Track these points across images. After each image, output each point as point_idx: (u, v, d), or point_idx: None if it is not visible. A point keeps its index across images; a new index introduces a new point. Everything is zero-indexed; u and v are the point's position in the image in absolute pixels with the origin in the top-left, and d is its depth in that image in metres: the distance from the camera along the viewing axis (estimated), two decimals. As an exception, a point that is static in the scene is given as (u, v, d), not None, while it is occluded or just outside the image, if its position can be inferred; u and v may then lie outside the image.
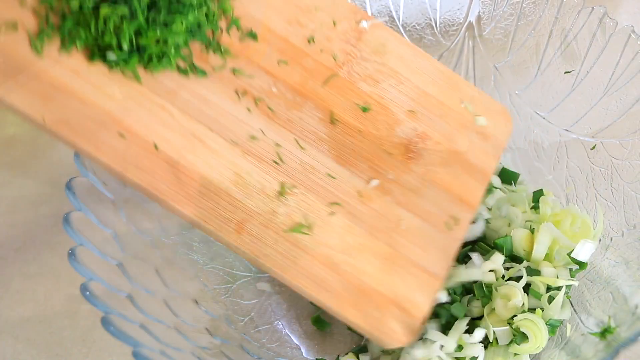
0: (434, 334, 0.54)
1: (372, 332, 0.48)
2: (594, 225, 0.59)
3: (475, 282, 0.57)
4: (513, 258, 0.58)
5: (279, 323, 0.64)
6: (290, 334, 0.63)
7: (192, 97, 0.47)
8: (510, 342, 0.53)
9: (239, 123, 0.48)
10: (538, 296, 0.54)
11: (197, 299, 0.56)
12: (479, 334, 0.53)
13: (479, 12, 0.67)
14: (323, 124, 0.51)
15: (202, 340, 0.52)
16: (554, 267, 0.56)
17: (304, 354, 0.63)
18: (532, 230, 0.58)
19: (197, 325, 0.54)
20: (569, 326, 0.54)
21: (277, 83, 0.50)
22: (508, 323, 0.53)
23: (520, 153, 0.69)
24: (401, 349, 0.55)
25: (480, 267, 0.56)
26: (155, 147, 0.45)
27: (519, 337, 0.52)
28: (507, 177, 0.66)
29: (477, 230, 0.60)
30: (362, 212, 0.50)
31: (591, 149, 0.61)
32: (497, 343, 0.53)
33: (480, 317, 0.55)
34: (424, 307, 0.49)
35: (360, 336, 0.62)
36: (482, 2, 0.67)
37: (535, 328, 0.52)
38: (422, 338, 0.54)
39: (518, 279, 0.55)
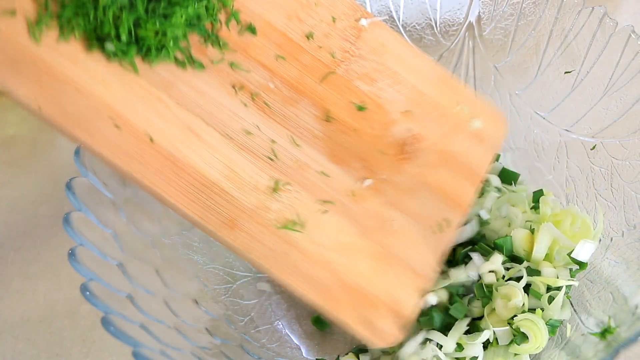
0: (435, 334, 0.54)
1: (360, 330, 0.48)
2: (594, 225, 0.59)
3: (475, 282, 0.57)
4: (513, 258, 0.58)
5: (279, 323, 0.64)
6: (290, 334, 0.63)
7: (189, 89, 0.47)
8: (511, 342, 0.53)
9: (234, 117, 0.48)
10: (538, 296, 0.54)
11: (197, 299, 0.56)
12: (482, 336, 0.53)
13: (479, 12, 0.67)
14: (318, 121, 0.51)
15: (202, 340, 0.52)
16: (554, 267, 0.56)
17: (304, 354, 0.63)
18: (532, 231, 0.58)
19: (197, 325, 0.54)
20: (569, 326, 0.54)
21: (274, 78, 0.50)
22: (508, 323, 0.53)
23: (520, 153, 0.69)
24: (400, 349, 0.55)
25: (480, 268, 0.56)
26: (150, 138, 0.45)
27: (519, 337, 0.52)
28: (507, 177, 0.66)
29: (468, 232, 0.60)
30: (354, 211, 0.50)
31: (591, 149, 0.61)
32: (497, 343, 0.53)
33: (481, 318, 0.55)
34: (413, 308, 0.49)
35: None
36: (482, 2, 0.67)
37: (536, 328, 0.52)
38: (425, 340, 0.54)
39: (518, 279, 0.55)
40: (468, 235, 0.60)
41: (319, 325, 0.63)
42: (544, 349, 0.53)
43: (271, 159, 0.48)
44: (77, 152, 0.49)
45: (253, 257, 0.46)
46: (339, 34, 0.53)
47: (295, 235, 0.47)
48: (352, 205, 0.50)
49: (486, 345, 0.54)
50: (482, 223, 0.61)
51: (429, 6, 0.68)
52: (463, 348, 0.53)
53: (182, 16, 0.45)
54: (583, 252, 0.56)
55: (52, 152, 0.81)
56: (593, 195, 0.61)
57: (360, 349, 0.60)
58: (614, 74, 0.59)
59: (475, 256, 0.58)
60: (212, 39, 0.48)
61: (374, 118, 0.52)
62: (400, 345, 0.56)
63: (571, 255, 0.56)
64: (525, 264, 0.57)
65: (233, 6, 0.49)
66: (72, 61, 0.43)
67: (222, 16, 0.49)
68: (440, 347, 0.53)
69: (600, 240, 0.58)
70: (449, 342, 0.53)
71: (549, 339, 0.53)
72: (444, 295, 0.56)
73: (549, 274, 0.56)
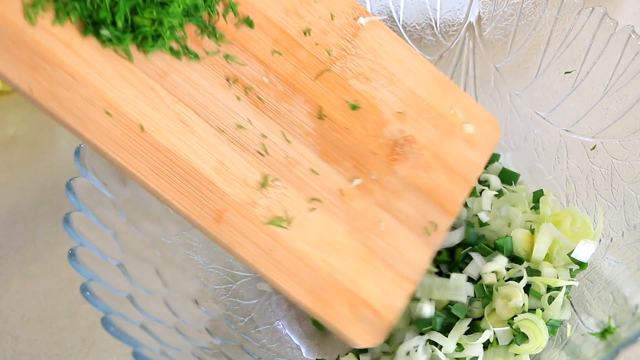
0: (435, 334, 0.54)
1: (341, 330, 0.47)
2: (594, 225, 0.59)
3: (475, 282, 0.57)
4: (513, 258, 0.58)
5: (279, 323, 0.64)
6: (290, 334, 0.63)
7: (183, 80, 0.47)
8: (511, 343, 0.53)
9: (227, 111, 0.48)
10: (538, 296, 0.54)
11: (197, 299, 0.56)
12: (483, 336, 0.53)
13: (479, 13, 0.67)
14: (311, 118, 0.50)
15: (202, 340, 0.52)
16: (554, 268, 0.56)
17: (304, 354, 0.63)
18: (532, 231, 0.58)
19: (197, 325, 0.53)
20: (569, 326, 0.54)
21: (269, 73, 0.50)
22: (508, 323, 0.53)
23: (520, 153, 0.69)
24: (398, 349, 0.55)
25: (482, 269, 0.56)
26: (141, 128, 0.44)
27: (519, 337, 0.52)
28: (507, 177, 0.66)
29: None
30: (342, 211, 0.49)
31: (591, 149, 0.61)
32: (498, 343, 0.53)
33: (481, 318, 0.55)
34: (395, 310, 0.49)
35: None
36: (482, 2, 0.67)
37: (536, 328, 0.52)
38: (429, 341, 0.54)
39: (518, 279, 0.55)
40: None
41: (319, 325, 0.63)
42: (544, 349, 0.53)
43: (261, 154, 0.48)
44: (77, 152, 0.49)
45: (238, 252, 0.46)
46: (336, 32, 0.53)
47: (281, 231, 0.47)
48: (340, 205, 0.50)
49: (486, 345, 0.54)
50: (482, 224, 0.61)
51: (429, 6, 0.68)
52: (463, 348, 0.53)
53: (179, 5, 0.45)
54: (583, 252, 0.56)
55: (52, 152, 0.81)
56: (593, 196, 0.61)
57: (361, 349, 0.60)
58: (614, 74, 0.59)
59: (476, 256, 0.58)
60: (209, 30, 0.48)
61: (367, 118, 0.52)
62: (400, 345, 0.57)
63: (571, 256, 0.56)
64: (525, 264, 0.57)
65: None
66: (66, 45, 0.42)
67: (219, 8, 0.49)
68: (440, 347, 0.53)
69: (600, 240, 0.58)
70: (449, 342, 0.53)
71: (549, 339, 0.53)
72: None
73: (549, 274, 0.56)
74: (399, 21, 0.69)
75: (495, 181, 0.65)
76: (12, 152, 0.80)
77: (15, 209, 0.75)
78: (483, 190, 0.63)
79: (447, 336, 0.54)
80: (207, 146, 0.46)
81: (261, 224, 0.47)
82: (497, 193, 0.63)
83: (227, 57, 0.48)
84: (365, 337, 0.48)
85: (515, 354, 0.53)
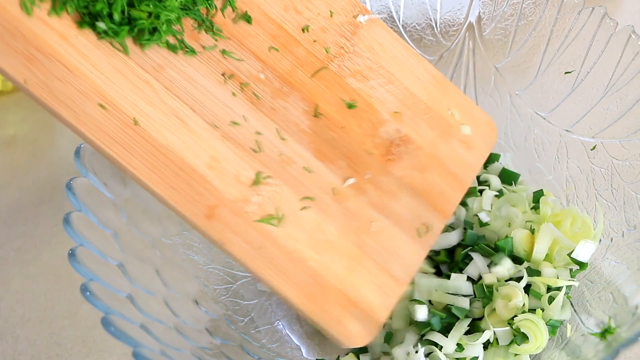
0: (435, 335, 0.54)
1: (330, 330, 0.47)
2: (594, 225, 0.59)
3: (475, 282, 0.57)
4: (513, 259, 0.58)
5: (280, 323, 0.64)
6: (290, 334, 0.63)
7: (178, 75, 0.46)
8: (511, 343, 0.53)
9: (222, 106, 0.47)
10: (538, 296, 0.54)
11: (198, 299, 0.56)
12: (483, 336, 0.53)
13: (479, 13, 0.67)
14: (307, 116, 0.50)
15: (202, 340, 0.52)
16: (555, 268, 0.56)
17: (304, 354, 0.63)
18: (532, 231, 0.58)
19: (197, 325, 0.53)
20: (569, 326, 0.54)
21: (265, 70, 0.49)
22: (508, 323, 0.53)
23: (520, 153, 0.69)
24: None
25: (490, 272, 0.56)
26: (135, 122, 0.44)
27: (519, 337, 0.52)
28: (507, 177, 0.66)
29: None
30: (334, 210, 0.49)
31: (591, 150, 0.61)
32: (498, 343, 0.53)
33: (481, 318, 0.55)
34: (385, 311, 0.49)
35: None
36: (482, 2, 0.67)
37: (536, 328, 0.52)
38: (420, 341, 0.54)
39: (519, 279, 0.55)
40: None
41: (319, 325, 0.63)
42: (544, 349, 0.53)
43: (255, 151, 0.47)
44: (77, 152, 0.49)
45: (228, 249, 0.46)
46: (335, 29, 0.52)
47: (273, 229, 0.47)
48: (333, 204, 0.49)
49: (486, 345, 0.54)
50: (482, 224, 0.61)
51: (429, 6, 0.68)
52: (463, 348, 0.53)
53: (177, 0, 0.45)
54: (583, 252, 0.56)
55: (52, 152, 0.81)
56: (593, 196, 0.61)
57: (361, 349, 0.60)
58: (614, 74, 0.59)
59: (477, 256, 0.58)
60: (206, 24, 0.48)
61: (363, 117, 0.52)
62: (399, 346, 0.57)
63: (571, 256, 0.56)
64: (525, 264, 0.57)
65: None
66: (62, 36, 0.42)
67: (218, 2, 0.48)
68: (440, 347, 0.53)
69: (600, 240, 0.58)
70: (450, 342, 0.53)
71: (549, 339, 0.53)
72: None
73: (549, 274, 0.56)
74: (399, 21, 0.69)
75: (495, 181, 0.65)
76: (12, 152, 0.80)
77: (15, 209, 0.75)
78: (483, 190, 0.63)
79: (447, 336, 0.54)
80: (201, 142, 0.46)
81: (252, 222, 0.46)
82: (497, 193, 0.63)
83: (223, 52, 0.48)
84: (354, 337, 0.48)
85: (516, 354, 0.53)
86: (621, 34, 0.58)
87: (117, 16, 0.43)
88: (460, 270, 0.58)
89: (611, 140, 0.60)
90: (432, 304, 0.57)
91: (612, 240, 0.57)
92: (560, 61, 0.63)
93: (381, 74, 0.53)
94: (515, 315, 0.53)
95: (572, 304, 0.56)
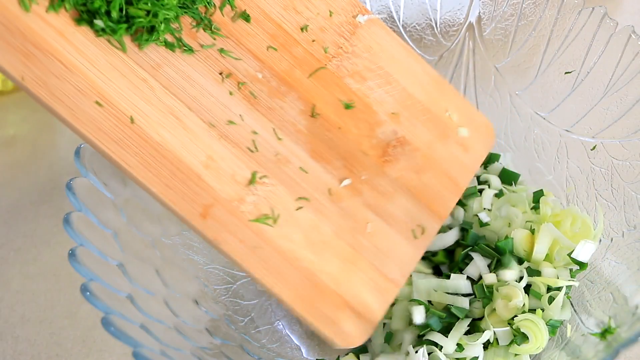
0: (435, 335, 0.54)
1: (323, 330, 0.47)
2: (594, 225, 0.59)
3: (475, 282, 0.57)
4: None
5: (280, 323, 0.64)
6: (290, 334, 0.63)
7: (176, 73, 0.46)
8: (511, 343, 0.53)
9: (219, 105, 0.47)
10: (538, 296, 0.54)
11: (198, 299, 0.56)
12: (483, 336, 0.53)
13: (479, 13, 0.67)
14: (303, 116, 0.50)
15: (203, 340, 0.52)
16: (555, 268, 0.56)
17: (304, 355, 0.63)
18: (532, 231, 0.58)
19: (197, 325, 0.53)
20: (569, 326, 0.54)
21: (263, 69, 0.49)
22: (508, 323, 0.53)
23: (520, 153, 0.69)
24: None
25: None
26: (131, 120, 0.44)
27: (520, 337, 0.52)
28: (507, 177, 0.66)
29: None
30: (329, 211, 0.49)
31: (591, 150, 0.61)
32: (498, 343, 0.53)
33: (481, 318, 0.55)
34: (378, 313, 0.49)
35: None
36: (482, 2, 0.67)
37: (536, 328, 0.52)
38: (428, 341, 0.54)
39: (519, 279, 0.55)
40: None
41: (319, 325, 0.63)
42: (544, 349, 0.53)
43: (251, 151, 0.47)
44: (77, 152, 0.49)
45: (223, 248, 0.46)
46: (334, 29, 0.52)
47: (267, 229, 0.47)
48: (328, 204, 0.49)
49: (486, 345, 0.54)
50: (482, 224, 0.61)
51: (429, 6, 0.68)
52: (463, 348, 0.53)
53: None
54: (583, 252, 0.56)
55: (52, 152, 0.81)
56: (593, 196, 0.61)
57: (361, 350, 0.60)
58: (614, 75, 0.59)
59: (477, 256, 0.58)
60: (205, 23, 0.47)
61: (360, 117, 0.52)
62: (400, 346, 0.57)
63: (571, 256, 0.56)
64: (525, 264, 0.57)
65: None
66: (59, 33, 0.42)
67: (217, 0, 0.48)
68: (440, 347, 0.53)
69: (600, 240, 0.58)
70: (450, 342, 0.53)
71: (549, 340, 0.53)
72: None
73: (549, 274, 0.56)
74: (399, 21, 0.69)
75: (495, 181, 0.65)
76: (12, 152, 0.80)
77: (15, 209, 0.75)
78: (483, 190, 0.63)
79: (447, 336, 0.54)
80: (197, 140, 0.46)
81: (247, 221, 0.46)
82: (497, 192, 0.63)
83: (221, 51, 0.48)
84: (347, 338, 0.48)
85: (516, 354, 0.53)
86: (621, 34, 0.58)
87: (115, 14, 0.43)
88: (460, 271, 0.58)
89: (611, 140, 0.60)
90: (432, 304, 0.57)
91: (612, 240, 0.57)
92: (560, 61, 0.63)
93: (379, 74, 0.53)
94: (516, 316, 0.53)
95: (572, 304, 0.56)
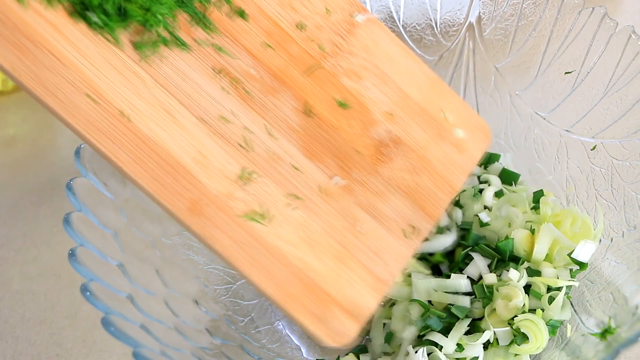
0: (435, 335, 0.54)
1: (312, 328, 0.47)
2: (595, 225, 0.59)
3: (475, 282, 0.57)
4: (513, 259, 0.58)
5: (280, 323, 0.64)
6: (290, 335, 0.63)
7: (169, 68, 0.46)
8: (511, 343, 0.53)
9: (211, 101, 0.47)
10: (538, 297, 0.54)
11: (198, 300, 0.56)
12: (483, 336, 0.53)
13: (479, 13, 0.67)
14: (297, 114, 0.49)
15: (203, 340, 0.52)
16: (555, 268, 0.56)
17: (304, 355, 0.63)
18: (532, 231, 0.58)
19: (197, 325, 0.54)
20: (569, 327, 0.54)
21: (257, 66, 0.49)
22: (508, 323, 0.53)
23: (520, 153, 0.69)
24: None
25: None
26: (122, 113, 0.44)
27: (520, 337, 0.52)
28: (508, 177, 0.66)
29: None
30: (320, 209, 0.49)
31: (591, 150, 0.61)
32: (498, 343, 0.53)
33: (481, 318, 0.55)
34: (367, 312, 0.48)
35: (361, 336, 0.62)
36: (482, 2, 0.67)
37: (536, 328, 0.52)
38: (428, 341, 0.54)
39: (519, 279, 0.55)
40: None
41: (319, 325, 0.63)
42: (544, 349, 0.53)
43: (242, 147, 0.47)
44: (77, 152, 0.49)
45: (211, 244, 0.45)
46: (331, 27, 0.52)
47: (257, 226, 0.46)
48: (319, 203, 0.49)
49: (486, 345, 0.54)
50: (482, 224, 0.61)
51: (429, 6, 0.68)
52: (463, 348, 0.53)
53: None
54: (583, 252, 0.56)
55: (52, 152, 0.81)
56: (593, 196, 0.61)
57: (361, 350, 0.60)
58: (614, 75, 0.59)
59: (477, 256, 0.58)
60: (200, 18, 0.47)
61: (354, 116, 0.51)
62: (399, 347, 0.57)
63: (571, 256, 0.56)
64: (525, 264, 0.57)
65: None
66: (54, 27, 0.42)
67: None
68: (440, 347, 0.53)
69: (600, 240, 0.58)
70: (450, 342, 0.53)
71: (549, 340, 0.53)
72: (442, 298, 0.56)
73: (550, 275, 0.56)
74: (399, 21, 0.69)
75: (495, 181, 0.65)
76: (12, 152, 0.80)
77: (15, 209, 0.75)
78: (483, 190, 0.63)
79: (447, 336, 0.54)
80: (188, 135, 0.46)
81: (236, 217, 0.46)
82: (497, 190, 0.63)
83: (216, 47, 0.48)
84: (335, 337, 0.47)
85: (516, 354, 0.53)
86: (621, 34, 0.58)
87: (110, 9, 0.43)
88: (460, 271, 0.58)
89: (611, 140, 0.60)
90: (432, 304, 0.57)
91: (612, 240, 0.57)
92: (561, 61, 0.63)
93: (375, 74, 0.52)
94: (516, 316, 0.53)
95: (572, 304, 0.56)
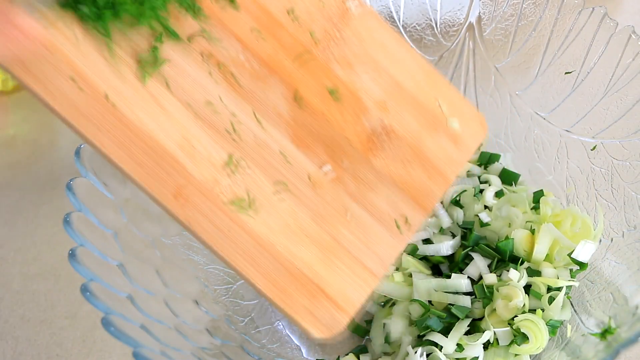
0: (435, 335, 0.54)
1: (297, 320, 0.46)
2: (595, 225, 0.59)
3: (475, 282, 0.57)
4: (514, 259, 0.58)
5: (280, 323, 0.64)
6: (290, 335, 0.63)
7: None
8: (511, 343, 0.53)
9: (197, 86, 0.46)
10: (539, 297, 0.54)
11: (198, 300, 0.56)
12: (483, 337, 0.53)
13: (479, 13, 0.67)
14: (286, 101, 0.48)
15: (203, 340, 0.52)
16: (555, 268, 0.56)
17: (304, 355, 0.63)
18: (532, 231, 0.58)
19: (197, 325, 0.54)
20: (569, 327, 0.54)
21: (245, 51, 0.48)
22: (508, 324, 0.53)
23: (520, 153, 0.69)
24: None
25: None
26: (106, 97, 0.43)
27: (520, 337, 0.52)
28: (508, 177, 0.66)
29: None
30: (308, 197, 0.48)
31: (591, 150, 0.61)
32: (498, 344, 0.53)
33: (481, 318, 0.55)
34: (356, 304, 0.47)
35: (361, 336, 0.62)
36: (482, 2, 0.67)
37: (536, 329, 0.52)
38: (428, 341, 0.54)
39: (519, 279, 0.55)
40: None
41: (319, 325, 0.63)
42: (545, 349, 0.53)
43: (229, 133, 0.46)
44: (77, 152, 0.49)
45: (196, 231, 0.45)
46: (322, 13, 0.50)
47: (243, 214, 0.46)
48: (308, 192, 0.48)
49: (486, 345, 0.54)
50: (483, 224, 0.61)
51: (430, 7, 0.68)
52: (463, 349, 0.53)
53: None
54: (583, 252, 0.56)
55: (52, 152, 0.81)
56: (593, 196, 0.61)
57: (361, 350, 0.60)
58: (614, 75, 0.59)
59: (477, 256, 0.58)
60: (190, 5, 0.46)
61: (345, 105, 0.50)
62: (399, 347, 0.57)
63: (571, 256, 0.56)
64: (525, 264, 0.57)
65: None
66: (43, 16, 0.42)
67: None
68: (440, 348, 0.53)
69: (600, 240, 0.58)
70: (449, 342, 0.53)
71: (550, 340, 0.53)
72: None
73: (550, 275, 0.56)
74: (399, 21, 0.69)
75: (495, 181, 0.65)
76: (12, 152, 0.80)
77: (15, 209, 0.75)
78: (483, 190, 0.63)
79: (447, 336, 0.54)
80: (173, 120, 0.45)
81: (222, 204, 0.45)
82: (498, 189, 0.63)
83: (203, 32, 0.47)
84: (323, 328, 0.46)
85: (516, 355, 0.53)
86: (621, 34, 0.58)
87: (100, 1, 0.42)
88: (461, 271, 0.58)
89: (611, 140, 0.60)
90: (432, 304, 0.57)
91: (612, 240, 0.57)
92: (561, 61, 0.63)
93: (367, 62, 0.51)
94: (516, 316, 0.53)
95: (572, 304, 0.56)
